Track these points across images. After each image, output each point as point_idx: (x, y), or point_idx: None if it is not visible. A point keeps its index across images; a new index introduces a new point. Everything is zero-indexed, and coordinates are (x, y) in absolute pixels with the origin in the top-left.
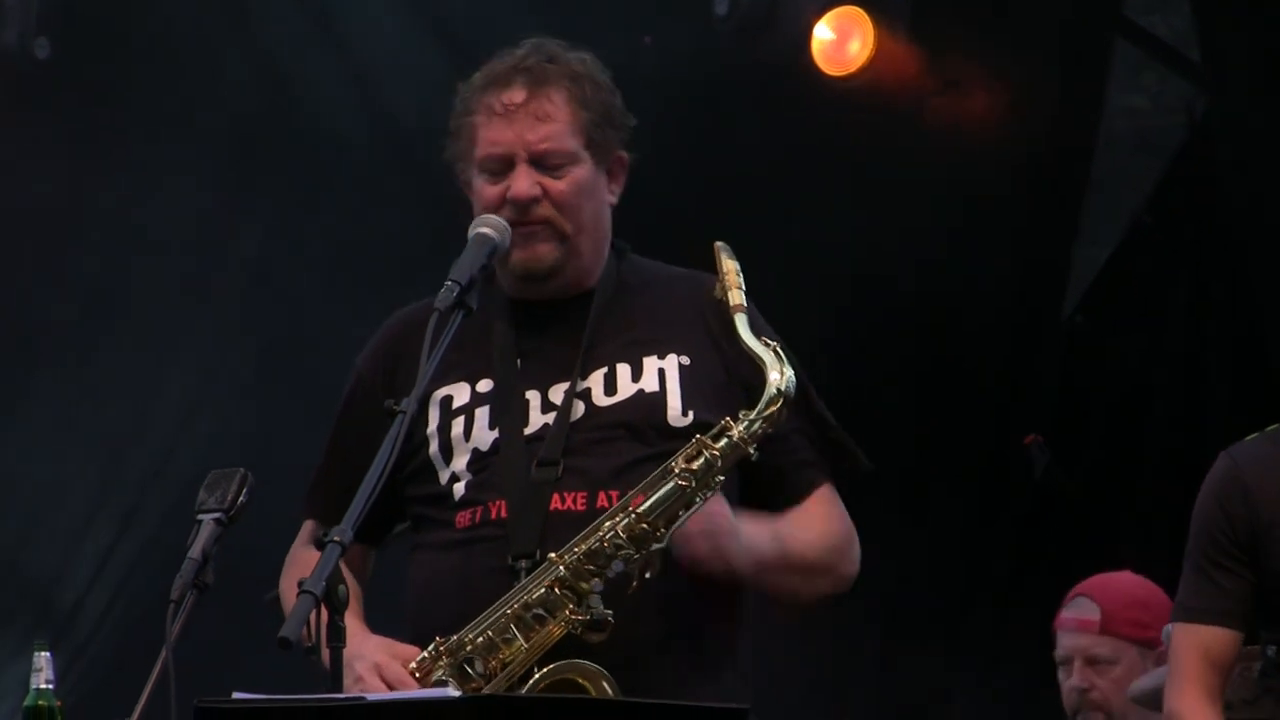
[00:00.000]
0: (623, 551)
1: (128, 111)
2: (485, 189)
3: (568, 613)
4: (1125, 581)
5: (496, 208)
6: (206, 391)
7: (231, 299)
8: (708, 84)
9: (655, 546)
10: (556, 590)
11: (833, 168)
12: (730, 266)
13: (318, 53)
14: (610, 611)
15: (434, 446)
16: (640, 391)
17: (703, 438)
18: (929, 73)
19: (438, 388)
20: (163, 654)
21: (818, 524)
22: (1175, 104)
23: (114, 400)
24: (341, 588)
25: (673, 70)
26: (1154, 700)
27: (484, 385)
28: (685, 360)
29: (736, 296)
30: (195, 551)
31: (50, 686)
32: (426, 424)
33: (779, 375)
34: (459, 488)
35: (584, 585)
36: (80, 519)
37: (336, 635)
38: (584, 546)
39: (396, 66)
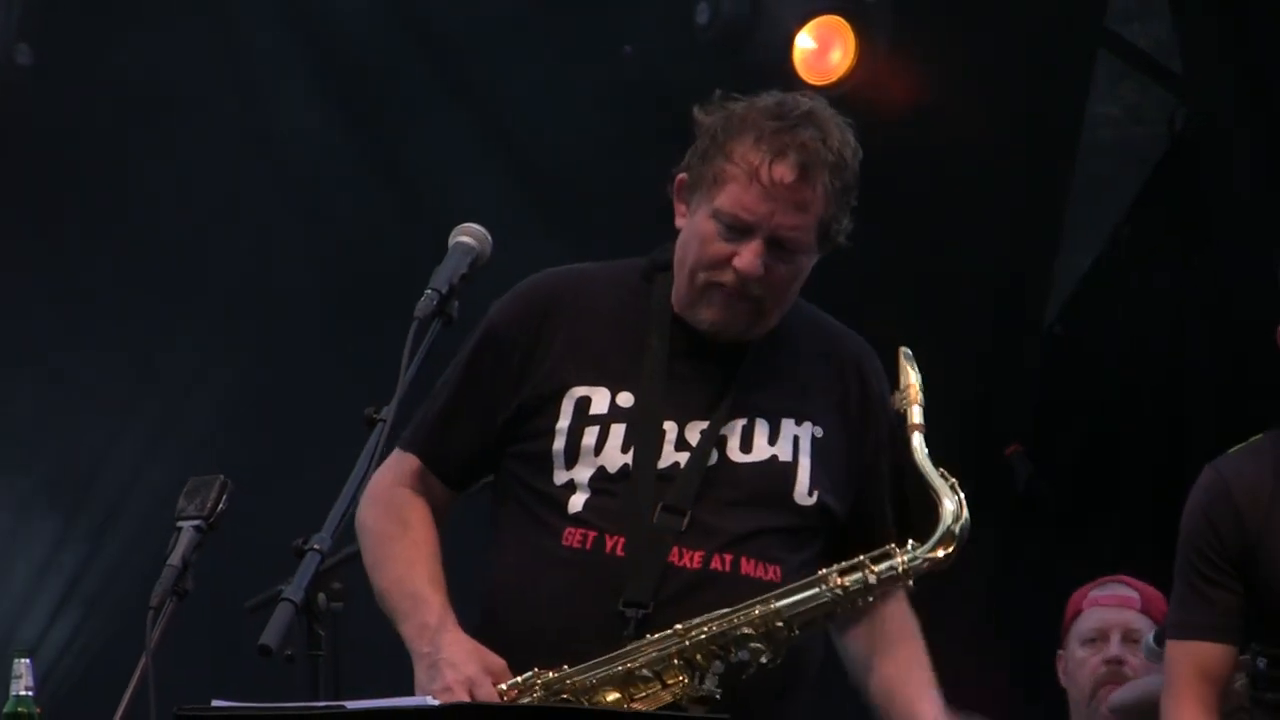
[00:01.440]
0: (752, 644)
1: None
2: (713, 239)
3: (682, 683)
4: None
5: (718, 264)
6: (185, 399)
7: (213, 312)
8: (688, 93)
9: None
10: (676, 661)
11: None
12: (913, 380)
13: (298, 59)
14: (719, 690)
15: (559, 444)
16: (774, 458)
17: (865, 558)
18: (911, 83)
19: (577, 384)
20: (142, 661)
21: (922, 658)
22: (1156, 114)
23: (91, 404)
24: (321, 595)
25: (653, 79)
26: (1135, 712)
27: (624, 399)
28: (819, 432)
29: (916, 415)
30: (175, 558)
31: (30, 694)
32: (558, 417)
33: (954, 516)
34: (575, 500)
35: (703, 662)
36: (58, 526)
37: (316, 643)
38: (714, 627)
39: (372, 71)
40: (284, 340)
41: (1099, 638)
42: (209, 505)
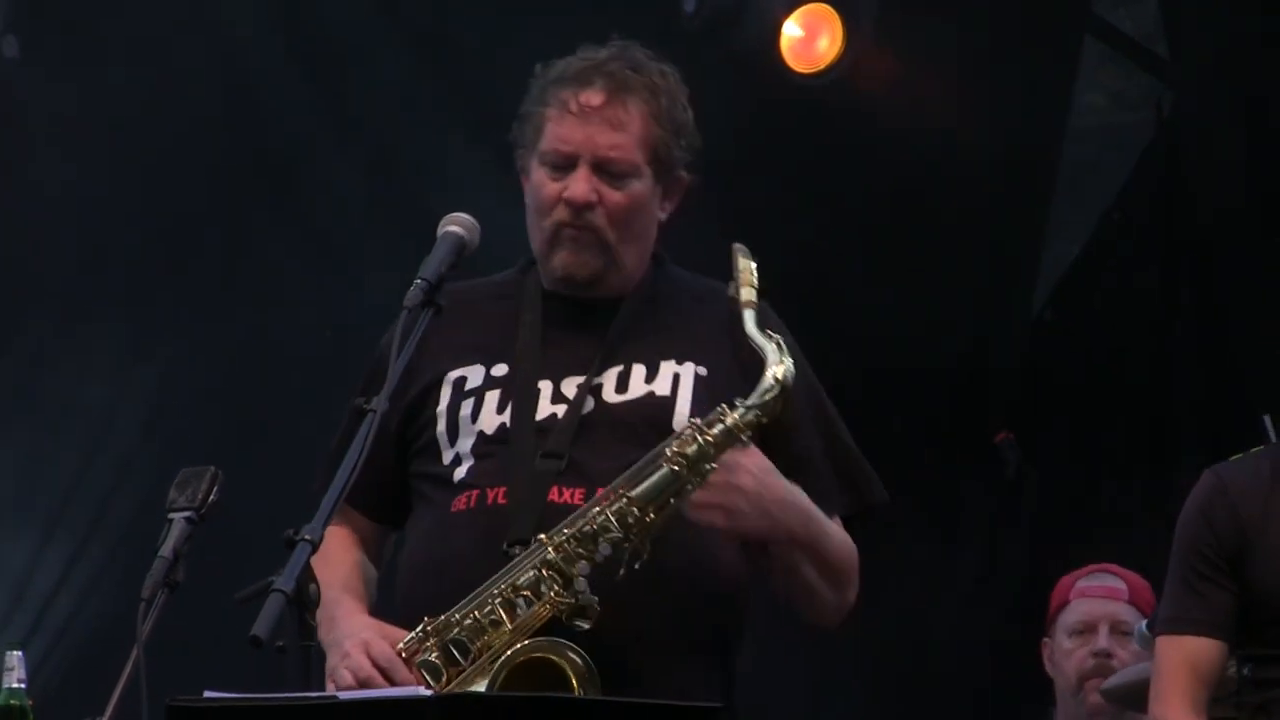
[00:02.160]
0: (610, 535)
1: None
2: (544, 182)
3: (553, 595)
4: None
5: (552, 204)
6: (174, 387)
7: (201, 299)
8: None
9: (645, 533)
10: (545, 572)
11: (800, 164)
12: (745, 266)
13: (283, 45)
14: (596, 598)
15: (441, 426)
16: (650, 393)
17: (697, 423)
18: (897, 70)
19: (453, 368)
20: (134, 653)
21: (842, 535)
22: (1142, 100)
23: (82, 397)
24: (312, 586)
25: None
26: (1127, 697)
27: (499, 369)
28: (703, 371)
29: (748, 294)
30: (166, 550)
31: (22, 686)
32: (437, 402)
33: (779, 367)
34: (460, 471)
35: (572, 568)
36: (50, 514)
37: (307, 634)
38: (573, 529)
39: (360, 66)
40: (274, 329)
41: (1086, 629)
42: (200, 496)
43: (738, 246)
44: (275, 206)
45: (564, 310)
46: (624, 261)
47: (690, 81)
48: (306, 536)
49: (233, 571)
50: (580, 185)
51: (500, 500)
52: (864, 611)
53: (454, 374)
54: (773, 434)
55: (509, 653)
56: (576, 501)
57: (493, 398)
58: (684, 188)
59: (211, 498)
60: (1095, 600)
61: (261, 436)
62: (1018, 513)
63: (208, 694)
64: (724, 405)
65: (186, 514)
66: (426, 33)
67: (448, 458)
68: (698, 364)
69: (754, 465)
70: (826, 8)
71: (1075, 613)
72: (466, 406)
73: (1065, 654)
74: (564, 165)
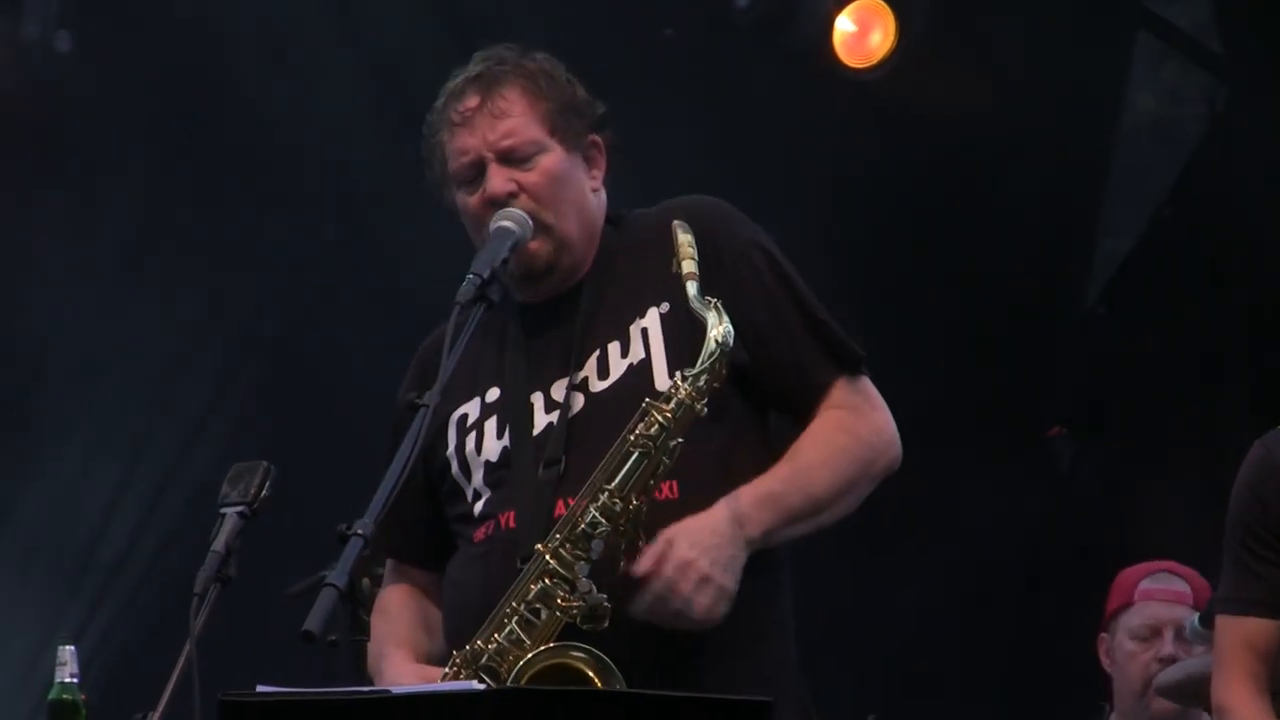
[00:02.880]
0: (600, 530)
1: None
2: (465, 201)
3: (561, 601)
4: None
5: (481, 213)
6: (225, 384)
7: (256, 292)
8: (728, 76)
9: (634, 519)
10: (548, 581)
11: (853, 160)
12: (684, 239)
13: (337, 53)
14: (604, 596)
15: (455, 467)
16: (629, 366)
17: (652, 402)
18: (951, 65)
19: (454, 408)
20: (186, 647)
21: (826, 448)
22: (1196, 95)
23: (134, 396)
24: (365, 581)
25: (693, 62)
26: (1181, 693)
27: (492, 395)
28: (664, 308)
29: (689, 266)
30: (219, 545)
31: (75, 680)
32: (447, 445)
33: (718, 329)
34: (480, 505)
35: (572, 571)
36: (104, 507)
37: (360, 629)
38: (564, 533)
39: (413, 63)
40: (328, 322)
41: (1151, 634)
42: (252, 491)
43: (676, 222)
44: (330, 198)
45: (538, 317)
46: (570, 237)
47: (743, 76)
48: (359, 531)
49: (285, 566)
50: (494, 181)
51: (512, 524)
52: (916, 600)
53: (456, 414)
54: (756, 324)
55: (520, 664)
56: None
57: (491, 425)
58: (602, 149)
59: (264, 492)
60: (1161, 604)
61: (316, 431)
62: (1068, 506)
63: (260, 688)
64: (675, 379)
65: (239, 509)
66: (479, 33)
67: (469, 495)
68: (658, 304)
69: (678, 535)
70: (879, 3)
71: (1140, 615)
72: (470, 441)
73: (1129, 656)
74: (473, 176)
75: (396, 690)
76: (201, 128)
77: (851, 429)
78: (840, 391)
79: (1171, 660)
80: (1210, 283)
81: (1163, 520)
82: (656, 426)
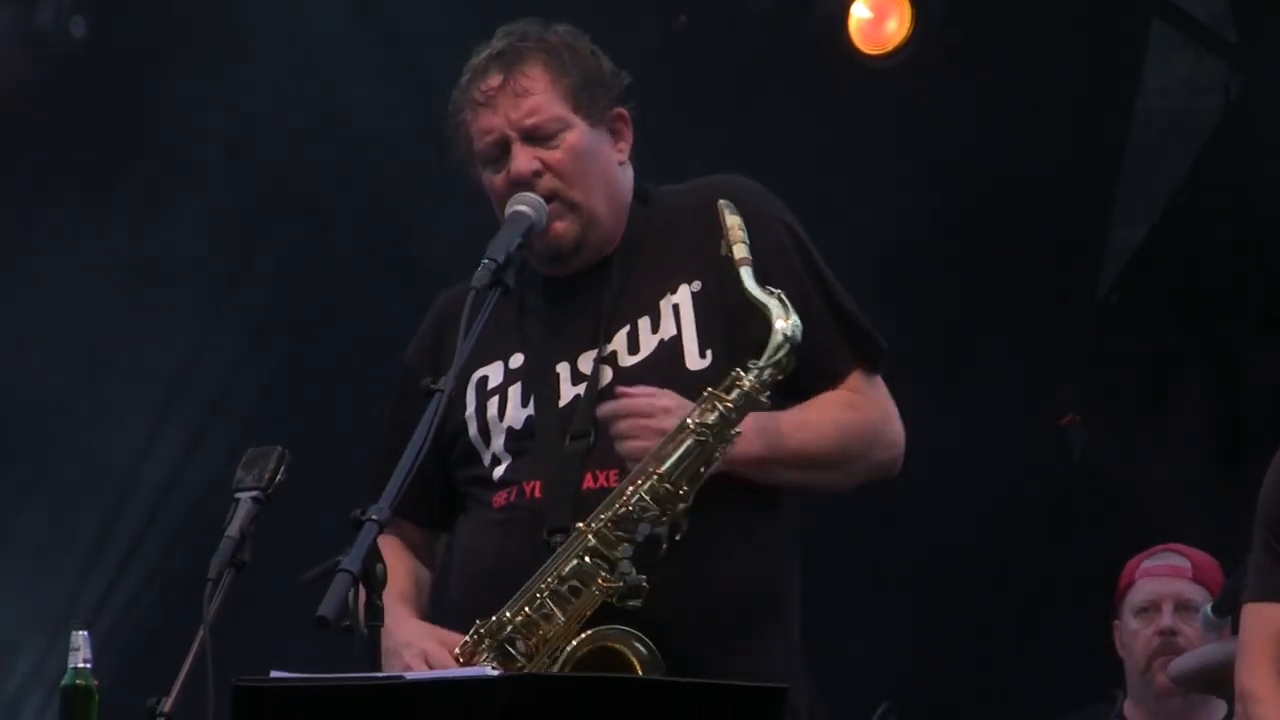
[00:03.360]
0: (649, 514)
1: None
2: (491, 180)
3: (600, 581)
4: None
5: (506, 192)
6: (238, 371)
7: (268, 281)
8: (743, 63)
9: (680, 506)
10: (588, 560)
11: (869, 146)
12: (733, 222)
13: (354, 49)
14: (644, 577)
15: (473, 429)
16: (660, 342)
17: (714, 391)
18: (966, 51)
19: (475, 370)
20: (200, 632)
21: (831, 412)
22: (1211, 84)
23: (149, 381)
24: (379, 566)
25: (708, 49)
26: (1196, 681)
27: (516, 360)
28: (696, 287)
29: (741, 251)
30: (233, 530)
31: (88, 665)
32: (465, 407)
33: (784, 322)
34: (499, 469)
35: (614, 552)
36: (117, 491)
37: (375, 614)
38: (610, 513)
39: (428, 48)
40: (341, 310)
41: (1151, 608)
42: (267, 476)
43: (723, 203)
44: (349, 192)
45: (564, 289)
46: (597, 213)
47: (758, 63)
48: (373, 516)
49: (300, 551)
50: (519, 160)
51: (537, 494)
52: (926, 589)
53: (475, 375)
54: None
55: (574, 643)
56: (610, 484)
57: (515, 392)
58: (627, 122)
59: (278, 478)
60: (1159, 579)
61: (328, 416)
62: (1080, 496)
63: (274, 674)
64: (738, 369)
65: (253, 494)
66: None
67: (487, 459)
68: (689, 282)
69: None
70: None
71: (1140, 592)
72: (493, 406)
73: (1132, 634)
74: (498, 155)
75: (410, 676)
76: (207, 121)
77: (860, 408)
78: (856, 380)
79: (1171, 632)
80: (1224, 272)
81: (1175, 510)
82: (716, 415)
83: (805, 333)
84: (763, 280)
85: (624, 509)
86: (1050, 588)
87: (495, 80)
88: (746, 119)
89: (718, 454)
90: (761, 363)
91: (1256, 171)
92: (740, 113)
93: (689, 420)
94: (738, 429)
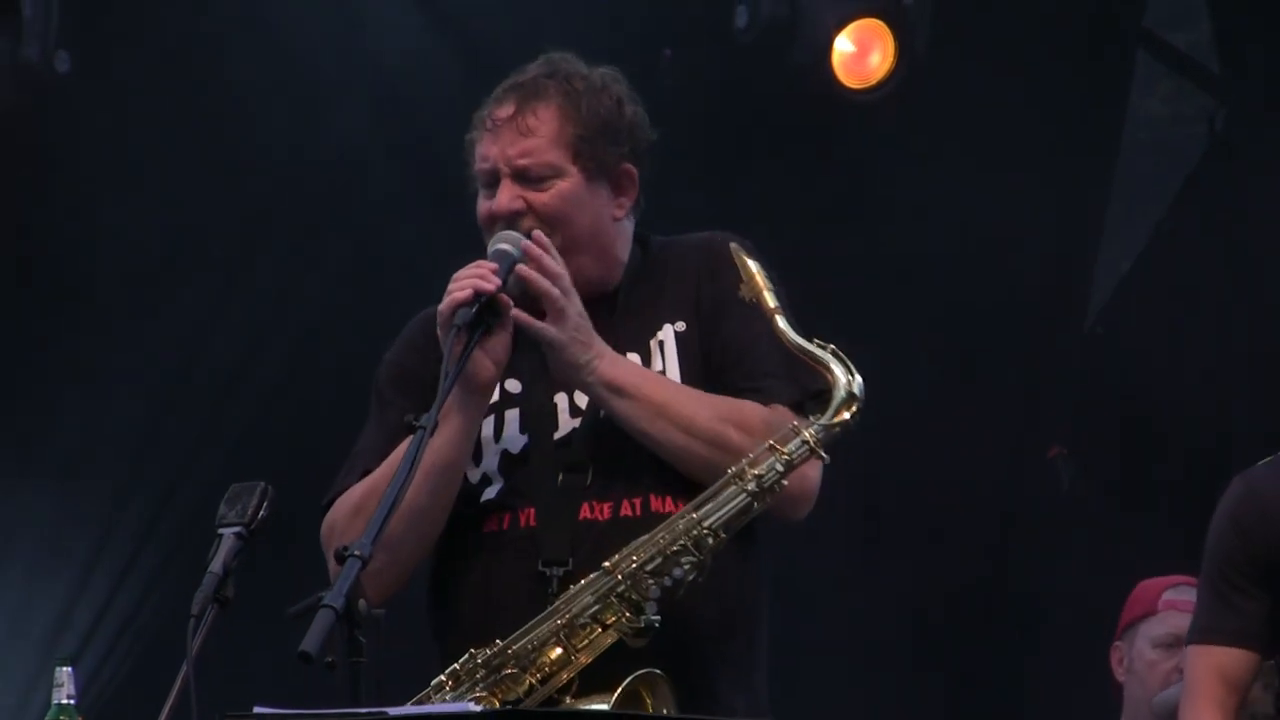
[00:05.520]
0: (686, 558)
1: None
2: (481, 204)
3: (624, 620)
4: None
5: (488, 221)
6: (228, 401)
7: (256, 313)
8: (727, 96)
9: (712, 551)
10: (614, 600)
11: (853, 180)
12: (754, 268)
13: (337, 59)
14: (659, 617)
15: None
16: None
17: (772, 442)
18: (950, 84)
19: None
20: (184, 669)
21: (727, 402)
22: (1196, 115)
23: (130, 412)
24: (361, 602)
25: (692, 82)
26: (1171, 715)
27: (513, 385)
28: (680, 326)
29: (769, 299)
30: (216, 565)
31: (72, 702)
32: None
33: (845, 378)
34: (490, 491)
35: (644, 594)
36: (100, 529)
37: (357, 649)
38: (642, 555)
39: (413, 83)
40: (324, 345)
41: (1176, 643)
42: (250, 512)
43: (736, 247)
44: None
45: None
46: (580, 264)
47: (743, 96)
48: (356, 552)
49: (283, 586)
50: (501, 196)
51: (532, 523)
52: (914, 631)
53: None
54: (725, 338)
55: (620, 692)
56: (604, 516)
57: (513, 416)
58: (634, 180)
59: (262, 513)
60: (1186, 615)
61: (312, 452)
62: (1068, 526)
63: (258, 709)
64: (797, 423)
65: (236, 529)
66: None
67: (475, 476)
68: (674, 322)
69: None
70: (879, 23)
71: (1165, 625)
72: (487, 425)
73: (1149, 665)
74: (490, 182)
75: (394, 712)
76: (206, 144)
77: (752, 414)
78: (780, 408)
79: None
80: (1210, 302)
81: (1160, 542)
82: (773, 472)
83: (751, 365)
84: (718, 314)
85: (662, 552)
86: (1038, 620)
87: (507, 110)
88: (730, 151)
89: (756, 505)
90: (825, 419)
91: (1242, 202)
92: (724, 145)
93: (743, 468)
94: (784, 482)
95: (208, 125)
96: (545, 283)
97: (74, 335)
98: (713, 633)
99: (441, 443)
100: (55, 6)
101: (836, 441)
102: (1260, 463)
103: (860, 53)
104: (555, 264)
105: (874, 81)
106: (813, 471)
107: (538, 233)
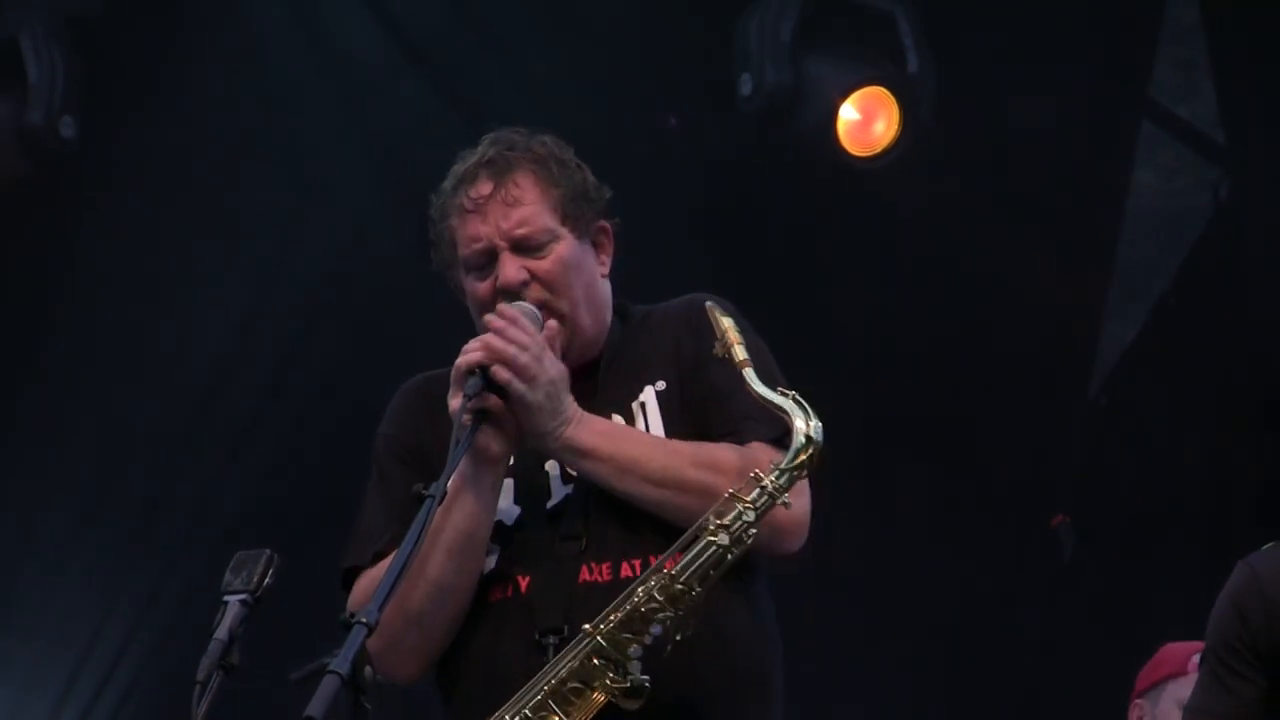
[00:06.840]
0: (661, 614)
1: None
2: (476, 287)
3: (608, 681)
4: None
5: (490, 300)
6: (229, 464)
7: (261, 377)
8: (732, 164)
9: (691, 605)
10: (594, 660)
11: (859, 246)
12: (726, 324)
13: (347, 152)
14: (647, 677)
15: None
16: None
17: (733, 492)
18: (955, 153)
19: None
20: None
21: (701, 447)
22: (1200, 185)
23: (138, 470)
24: (367, 669)
25: (697, 150)
26: None
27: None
28: (661, 385)
29: (739, 353)
30: (221, 632)
31: None
32: None
33: (804, 424)
34: (490, 560)
35: (623, 653)
36: (104, 596)
37: (362, 716)
38: (619, 614)
39: (413, 144)
40: (329, 410)
41: None
42: (255, 579)
43: (710, 305)
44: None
45: None
46: (582, 324)
47: (748, 164)
48: (362, 619)
49: (287, 653)
50: (507, 270)
51: (524, 591)
52: (926, 689)
53: None
54: (705, 389)
55: None
56: (605, 578)
57: (507, 486)
58: (610, 235)
59: (267, 581)
60: None
61: (318, 518)
62: (1072, 596)
63: None
64: (758, 471)
65: (241, 597)
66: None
67: None
68: (654, 383)
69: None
70: (883, 91)
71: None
72: None
73: None
74: (485, 263)
75: None
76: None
77: (725, 456)
78: (758, 444)
79: None
80: (1214, 373)
81: (1169, 610)
82: (734, 515)
83: (725, 398)
84: (698, 369)
85: (639, 610)
86: (1041, 690)
87: (485, 188)
88: (736, 219)
89: (730, 555)
90: (783, 464)
91: (1246, 272)
92: (730, 212)
93: (708, 521)
94: (754, 530)
95: (212, 186)
96: (511, 350)
97: (70, 401)
98: (724, 695)
99: (461, 517)
100: (60, 72)
101: (800, 482)
102: (1265, 547)
103: (865, 120)
104: (522, 334)
105: (879, 149)
106: (800, 501)
107: (502, 305)
